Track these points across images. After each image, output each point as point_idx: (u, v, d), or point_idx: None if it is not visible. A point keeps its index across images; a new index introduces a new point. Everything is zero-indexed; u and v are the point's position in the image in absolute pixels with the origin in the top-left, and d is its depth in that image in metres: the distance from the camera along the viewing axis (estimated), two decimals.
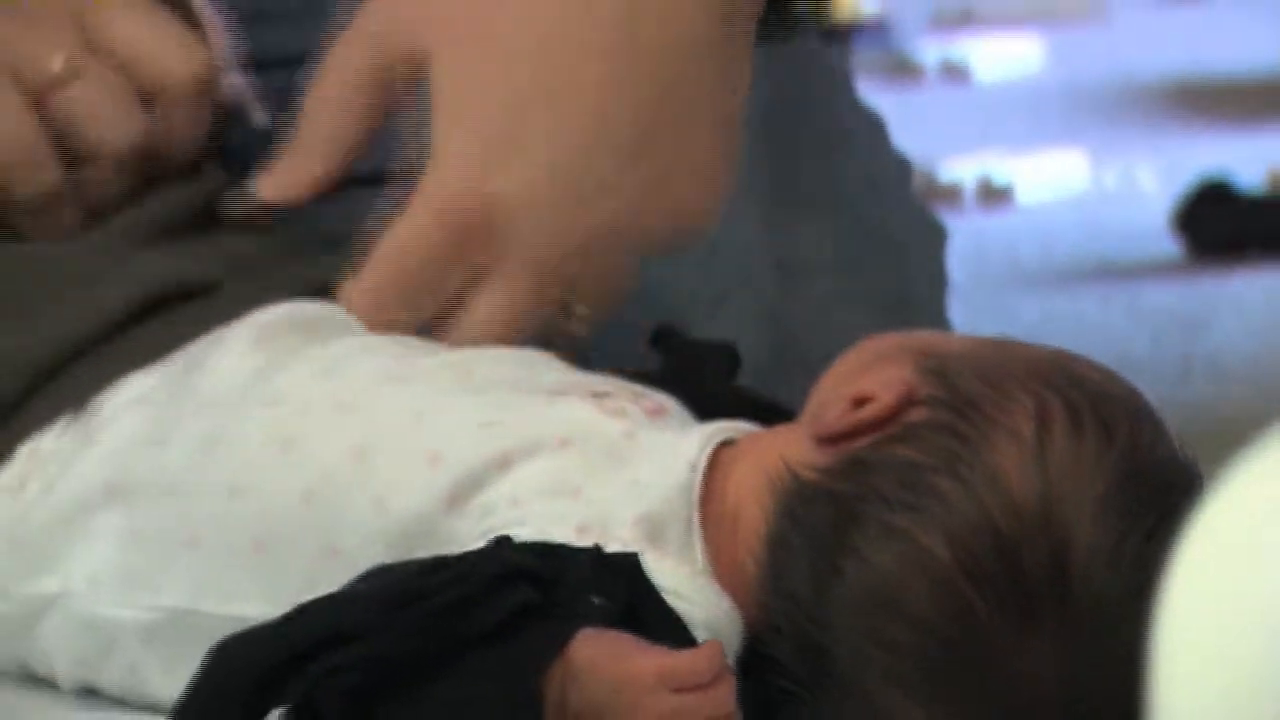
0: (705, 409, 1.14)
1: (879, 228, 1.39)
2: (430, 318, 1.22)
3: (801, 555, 1.05)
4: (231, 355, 1.21)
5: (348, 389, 1.17)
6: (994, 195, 2.09)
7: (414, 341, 1.20)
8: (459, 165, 1.20)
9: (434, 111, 1.20)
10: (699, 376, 1.17)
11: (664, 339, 1.19)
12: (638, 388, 1.13)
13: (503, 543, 1.05)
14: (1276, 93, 2.39)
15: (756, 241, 1.39)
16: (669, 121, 1.20)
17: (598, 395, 1.12)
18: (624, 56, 1.22)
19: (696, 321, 1.29)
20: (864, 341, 1.11)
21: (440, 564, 1.06)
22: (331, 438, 1.14)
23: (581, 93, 1.20)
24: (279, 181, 1.23)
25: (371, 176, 1.27)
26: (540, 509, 1.08)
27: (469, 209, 1.19)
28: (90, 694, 1.21)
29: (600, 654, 1.01)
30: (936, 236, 1.42)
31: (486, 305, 1.19)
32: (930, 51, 2.56)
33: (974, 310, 1.43)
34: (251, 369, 1.18)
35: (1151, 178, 2.12)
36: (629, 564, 1.04)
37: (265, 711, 1.02)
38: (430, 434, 1.12)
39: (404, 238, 1.21)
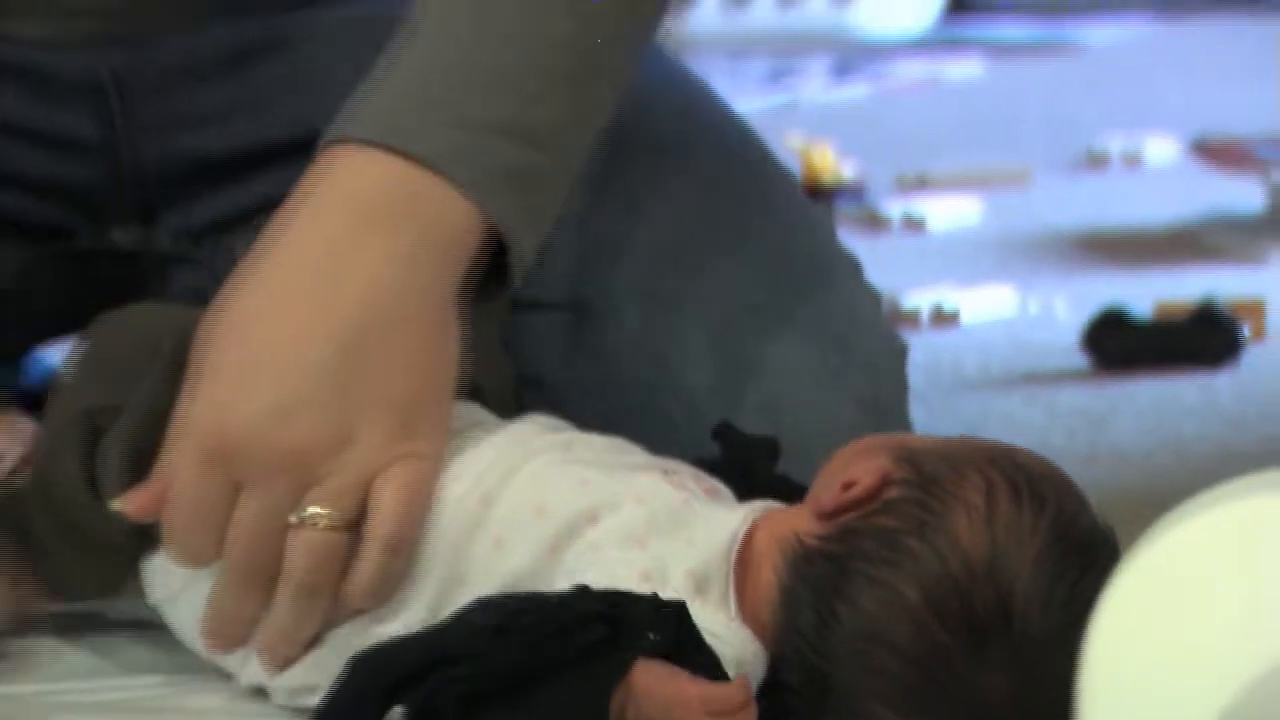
0: (750, 488, 1.18)
1: (856, 345, 1.38)
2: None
3: (807, 603, 1.10)
4: None
5: None
6: (943, 319, 2.10)
7: (531, 430, 1.23)
8: (201, 405, 1.15)
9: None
10: (748, 463, 1.20)
11: (724, 434, 1.21)
12: (699, 471, 1.18)
13: (583, 590, 1.11)
14: (1161, 244, 2.39)
15: (757, 353, 1.36)
16: (365, 357, 1.16)
17: (668, 472, 1.17)
18: (329, 311, 1.17)
19: (715, 412, 1.28)
20: (853, 442, 1.16)
21: (536, 602, 1.10)
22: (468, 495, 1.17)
23: (294, 343, 1.15)
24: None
25: None
26: (614, 555, 1.12)
27: (210, 437, 1.14)
28: None
29: (654, 681, 1.06)
30: (900, 352, 1.41)
31: (243, 512, 1.13)
32: (895, 208, 2.52)
33: (929, 409, 1.46)
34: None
35: (1065, 307, 2.13)
36: (678, 610, 1.09)
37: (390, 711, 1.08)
38: (539, 490, 1.16)
39: (171, 481, 1.15)
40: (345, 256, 1.17)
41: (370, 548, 1.13)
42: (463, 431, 1.21)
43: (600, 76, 1.26)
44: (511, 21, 1.24)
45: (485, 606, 1.11)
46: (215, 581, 1.16)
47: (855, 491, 1.11)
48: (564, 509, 1.15)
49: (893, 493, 1.11)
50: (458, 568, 1.16)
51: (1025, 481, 1.11)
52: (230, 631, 1.17)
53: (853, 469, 1.12)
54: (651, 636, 1.08)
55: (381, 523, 1.13)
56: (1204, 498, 0.87)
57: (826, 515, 1.12)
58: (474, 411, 1.25)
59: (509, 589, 1.14)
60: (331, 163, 1.21)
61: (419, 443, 1.16)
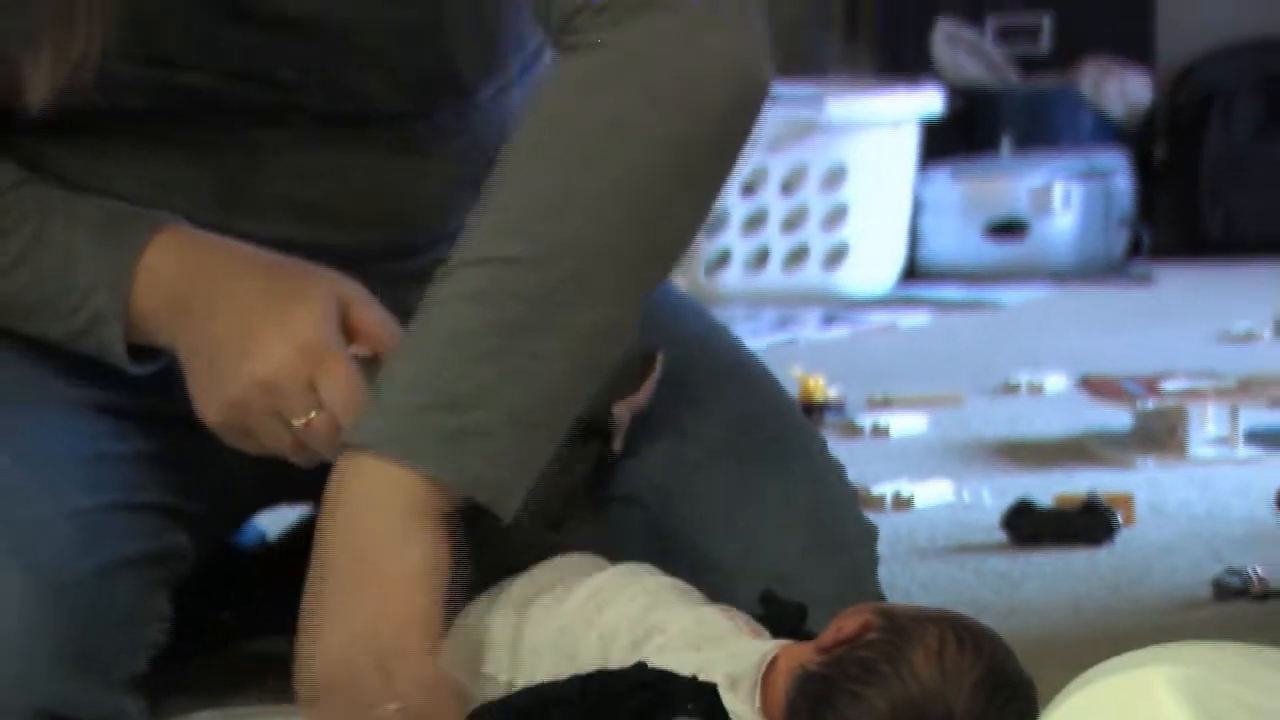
0: (782, 633, 1.20)
1: (840, 531, 1.38)
2: None
3: (804, 709, 1.12)
4: None
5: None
6: (901, 504, 2.10)
7: (636, 569, 1.25)
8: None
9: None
10: (784, 616, 1.21)
11: (767, 597, 1.22)
12: (749, 617, 1.19)
13: (640, 665, 1.12)
14: (1057, 452, 2.40)
15: (769, 538, 1.34)
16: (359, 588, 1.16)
17: (724, 610, 1.16)
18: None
19: (740, 579, 1.29)
20: (851, 606, 1.17)
21: (609, 673, 1.13)
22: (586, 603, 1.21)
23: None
24: None
25: None
26: (674, 654, 1.15)
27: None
28: None
29: None
30: (871, 535, 1.40)
31: None
32: (866, 420, 2.53)
33: (890, 571, 1.46)
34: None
35: (990, 497, 2.13)
36: (713, 689, 1.10)
37: None
38: (634, 606, 1.19)
39: None
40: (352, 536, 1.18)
41: None
42: (587, 568, 1.24)
43: (536, 340, 1.19)
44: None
45: (576, 677, 1.13)
46: None
47: (844, 633, 1.14)
48: (649, 620, 1.17)
49: (872, 635, 1.12)
50: (572, 651, 1.19)
51: (969, 634, 1.13)
52: None
53: (846, 620, 1.13)
54: (690, 707, 1.09)
55: None
56: (1100, 668, 0.88)
57: (824, 649, 1.14)
58: (598, 560, 1.27)
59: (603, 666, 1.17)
60: (341, 465, 1.20)
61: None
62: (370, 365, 1.25)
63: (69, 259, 1.28)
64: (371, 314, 1.28)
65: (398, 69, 1.33)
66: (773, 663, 1.15)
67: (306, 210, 1.36)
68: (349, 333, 1.26)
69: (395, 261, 1.39)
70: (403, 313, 1.40)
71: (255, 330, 1.24)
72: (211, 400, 1.25)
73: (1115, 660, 0.90)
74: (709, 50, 1.19)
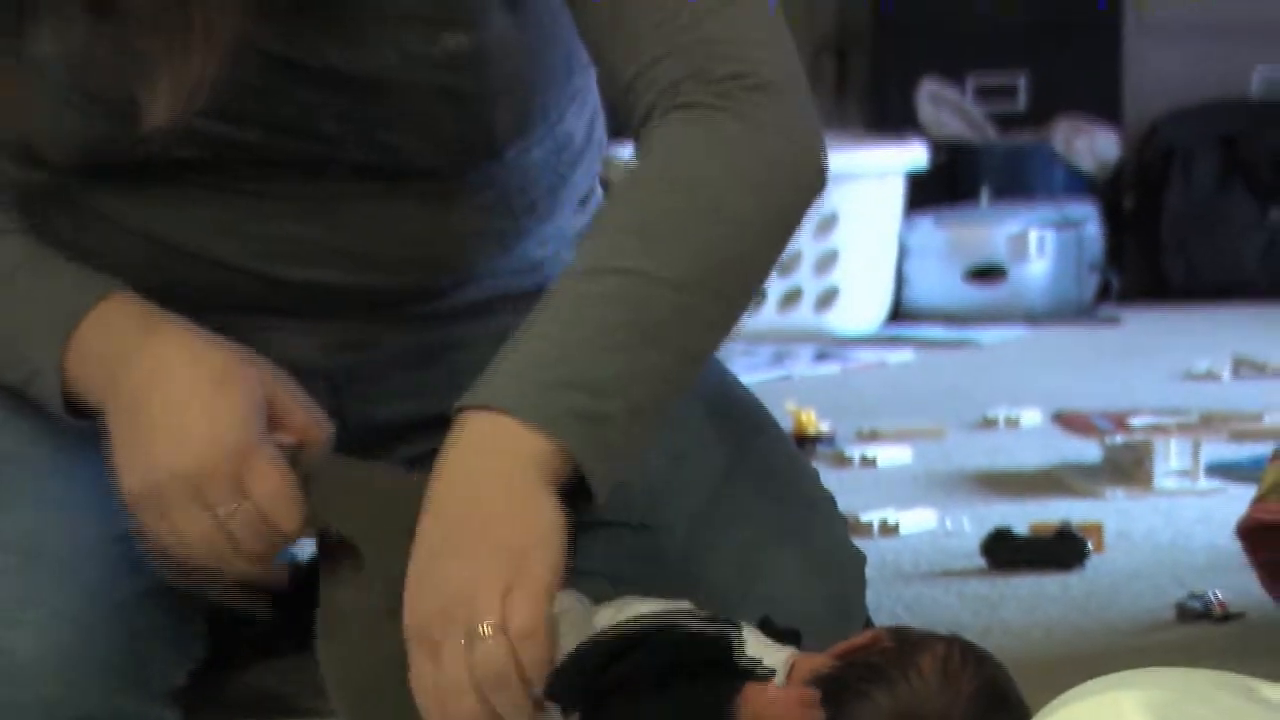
0: None
1: (830, 558, 1.36)
2: None
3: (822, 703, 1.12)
4: None
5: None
6: (887, 530, 2.09)
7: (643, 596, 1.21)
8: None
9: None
10: (780, 640, 1.16)
11: (765, 623, 1.18)
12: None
13: (732, 624, 1.14)
14: (1032, 483, 2.39)
15: (762, 563, 1.32)
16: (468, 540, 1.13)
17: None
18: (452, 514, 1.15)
19: (732, 604, 1.25)
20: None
21: (677, 616, 1.15)
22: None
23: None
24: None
25: None
26: None
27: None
28: None
29: (759, 692, 1.10)
30: (860, 561, 1.37)
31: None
32: (855, 452, 2.51)
33: (877, 594, 1.44)
34: None
35: (969, 524, 2.12)
36: (770, 672, 1.12)
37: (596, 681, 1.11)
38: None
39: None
40: (475, 485, 1.15)
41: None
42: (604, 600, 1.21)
43: (658, 351, 1.19)
44: (586, 325, 1.20)
45: (646, 624, 1.15)
46: None
47: (858, 641, 1.13)
48: None
49: (883, 645, 1.12)
50: None
51: (971, 652, 1.12)
52: None
53: (858, 636, 1.14)
54: (759, 670, 1.12)
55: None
56: (1074, 691, 0.88)
57: (838, 655, 1.13)
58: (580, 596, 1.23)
59: None
60: (462, 423, 1.18)
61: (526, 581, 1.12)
62: (294, 454, 1.22)
63: (21, 312, 1.25)
64: (296, 404, 1.25)
65: (436, 129, 1.32)
66: (794, 665, 1.14)
67: (342, 256, 1.35)
68: (274, 422, 1.23)
69: (422, 303, 1.39)
70: (425, 350, 1.41)
71: (184, 421, 1.19)
72: (133, 477, 1.20)
73: (1089, 684, 0.89)
74: (803, 133, 1.25)
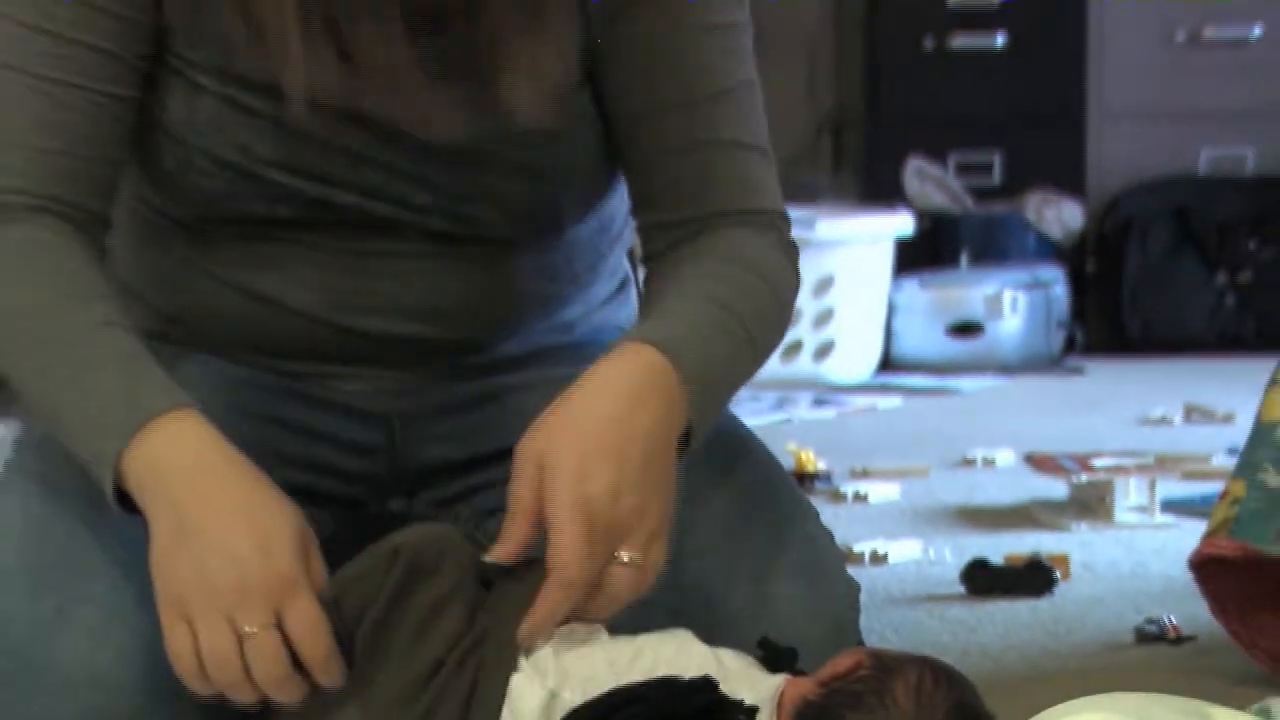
0: (777, 672, 1.15)
1: (829, 587, 1.34)
2: None
3: None
4: None
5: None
6: (878, 559, 2.08)
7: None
8: (569, 482, 1.11)
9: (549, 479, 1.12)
10: (779, 659, 1.15)
11: (764, 643, 1.17)
12: (751, 658, 1.17)
13: (706, 678, 1.09)
14: (1007, 517, 2.37)
15: (769, 594, 1.31)
16: (646, 472, 1.14)
17: (735, 652, 1.16)
18: (632, 439, 1.14)
19: (744, 628, 1.23)
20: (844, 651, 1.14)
21: (674, 679, 1.10)
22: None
23: (616, 456, 1.13)
24: (502, 553, 1.13)
25: None
26: None
27: (586, 510, 1.11)
28: None
29: None
30: (855, 590, 1.35)
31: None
32: (849, 489, 2.50)
33: (868, 618, 1.41)
34: None
35: (950, 554, 2.11)
36: (753, 708, 1.09)
37: None
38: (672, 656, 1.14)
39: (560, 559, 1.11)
40: (632, 409, 1.15)
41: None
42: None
43: (741, 358, 1.26)
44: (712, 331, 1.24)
45: (646, 681, 1.11)
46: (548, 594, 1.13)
47: (839, 669, 1.11)
48: (679, 661, 1.14)
49: (862, 672, 1.10)
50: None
51: (943, 673, 1.10)
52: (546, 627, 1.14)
53: (841, 660, 1.12)
54: (741, 715, 1.08)
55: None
56: (1044, 714, 0.87)
57: (822, 682, 1.11)
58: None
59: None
60: (622, 350, 1.19)
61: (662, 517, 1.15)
62: (328, 602, 1.14)
63: (101, 402, 1.16)
64: (319, 560, 1.15)
65: (514, 203, 1.32)
66: (782, 693, 1.13)
67: (408, 310, 1.35)
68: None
69: (470, 355, 1.39)
70: (468, 398, 1.40)
71: (234, 540, 1.11)
72: (174, 582, 1.11)
73: (1055, 709, 0.88)
74: (794, 253, 1.34)
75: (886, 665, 1.11)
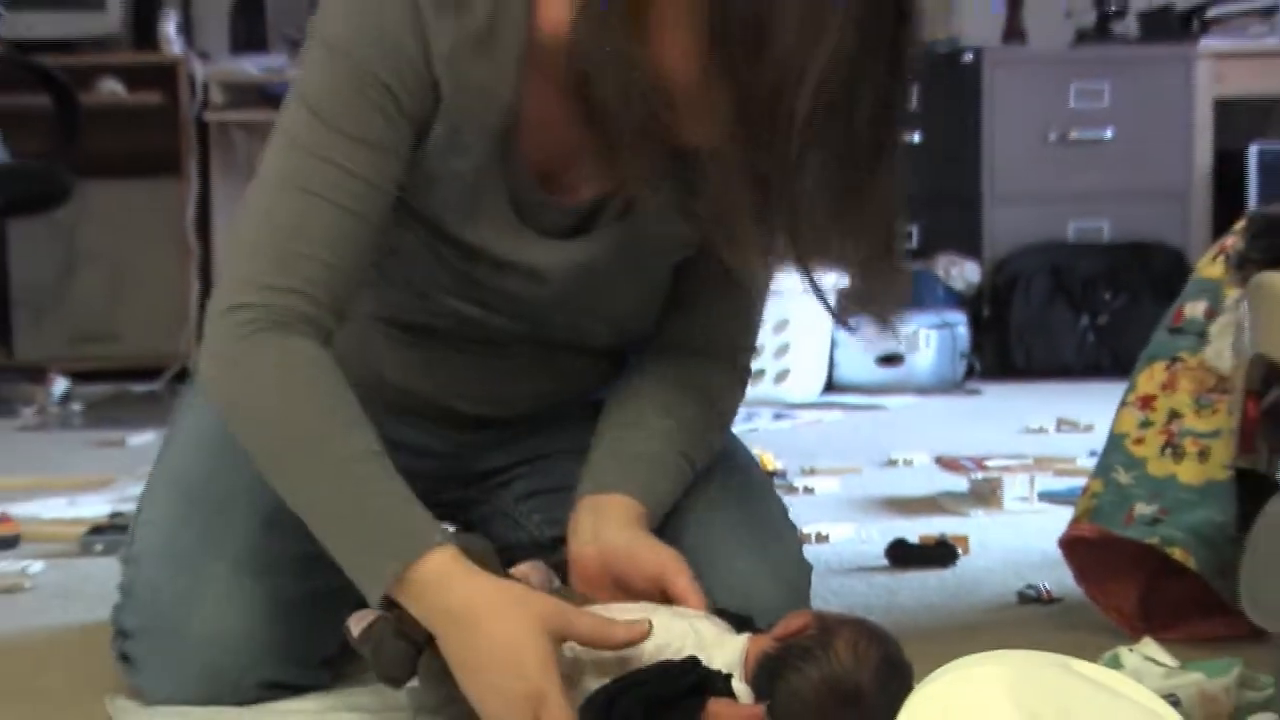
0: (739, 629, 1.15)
1: (789, 561, 1.34)
2: None
3: (765, 680, 1.09)
4: None
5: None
6: (821, 539, 2.07)
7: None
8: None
9: None
10: (743, 623, 1.16)
11: (719, 610, 1.16)
12: (716, 618, 1.15)
13: (693, 659, 1.08)
14: (921, 505, 2.34)
15: (739, 568, 1.29)
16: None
17: (708, 618, 1.14)
18: None
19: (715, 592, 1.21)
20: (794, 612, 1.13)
21: (668, 664, 1.09)
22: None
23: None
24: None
25: None
26: (689, 651, 1.10)
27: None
28: None
29: (724, 706, 1.06)
30: (809, 568, 1.36)
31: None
32: (800, 483, 2.48)
33: (814, 584, 1.39)
34: None
35: (878, 535, 2.08)
36: (728, 678, 1.08)
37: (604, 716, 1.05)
38: (666, 628, 1.11)
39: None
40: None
41: None
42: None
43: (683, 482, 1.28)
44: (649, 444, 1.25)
45: (644, 667, 1.09)
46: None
47: (791, 627, 1.10)
48: (672, 635, 1.12)
49: (809, 632, 1.09)
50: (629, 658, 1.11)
51: (875, 633, 1.10)
52: None
53: (793, 620, 1.11)
54: (720, 686, 1.07)
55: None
56: (939, 670, 0.86)
57: (777, 638, 1.10)
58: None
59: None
60: (628, 503, 1.20)
61: None
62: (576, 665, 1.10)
63: (372, 532, 1.08)
64: (581, 622, 1.08)
65: (627, 318, 1.29)
66: (745, 652, 1.12)
67: (491, 396, 1.33)
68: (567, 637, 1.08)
69: (517, 423, 1.38)
70: (518, 429, 1.39)
71: (498, 679, 1.03)
72: (470, 682, 1.06)
73: (959, 660, 0.87)
74: (745, 385, 1.37)
75: (829, 625, 1.10)
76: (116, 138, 4.32)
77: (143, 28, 4.55)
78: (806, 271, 1.04)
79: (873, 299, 1.08)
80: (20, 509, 2.21)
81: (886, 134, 0.99)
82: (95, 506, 2.28)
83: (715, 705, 1.06)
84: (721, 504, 1.33)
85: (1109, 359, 4.30)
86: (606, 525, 1.18)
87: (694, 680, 1.07)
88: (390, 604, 1.08)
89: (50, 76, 3.91)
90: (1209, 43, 4.40)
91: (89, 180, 4.18)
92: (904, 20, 0.96)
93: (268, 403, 1.08)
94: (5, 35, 4.20)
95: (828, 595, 1.70)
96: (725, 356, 1.31)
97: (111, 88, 4.35)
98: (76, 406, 3.79)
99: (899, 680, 1.08)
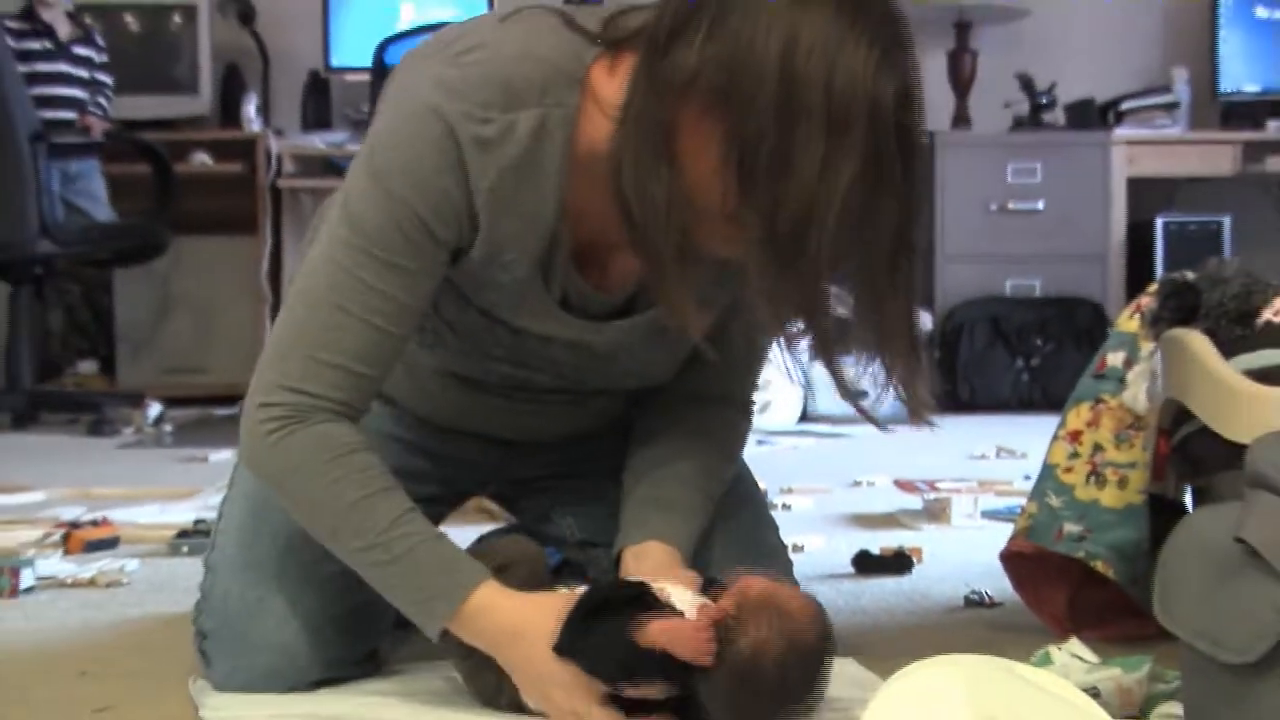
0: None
1: (775, 563, 1.31)
2: None
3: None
4: None
5: None
6: (797, 549, 2.03)
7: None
8: None
9: None
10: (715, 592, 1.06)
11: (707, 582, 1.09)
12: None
13: (642, 582, 1.03)
14: (882, 521, 2.31)
15: (733, 559, 1.22)
16: None
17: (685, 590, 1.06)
18: None
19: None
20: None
21: (614, 583, 1.06)
22: None
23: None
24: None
25: None
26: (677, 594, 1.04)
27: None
28: None
29: (663, 622, 0.99)
30: (789, 565, 1.35)
31: None
32: (779, 500, 2.45)
33: None
34: None
35: (845, 546, 2.06)
36: (647, 589, 1.04)
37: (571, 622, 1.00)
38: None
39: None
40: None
41: None
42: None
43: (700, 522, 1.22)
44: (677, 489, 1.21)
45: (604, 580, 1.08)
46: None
47: (734, 593, 1.05)
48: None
49: (751, 594, 1.05)
50: None
51: (784, 622, 1.03)
52: None
53: (720, 604, 1.05)
54: (669, 607, 1.02)
55: None
56: (899, 673, 0.84)
57: (729, 598, 1.05)
58: None
59: None
60: (627, 554, 1.16)
61: None
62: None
63: (424, 580, 1.07)
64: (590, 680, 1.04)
65: (652, 375, 1.25)
66: (699, 609, 1.04)
67: (529, 429, 1.30)
68: None
69: (537, 454, 1.35)
70: (547, 460, 1.36)
71: (543, 684, 1.04)
72: (528, 687, 1.07)
73: (913, 665, 0.86)
74: (750, 422, 1.33)
75: (743, 616, 1.02)
76: (204, 201, 4.39)
77: (228, 109, 4.64)
78: (832, 370, 1.04)
79: (901, 392, 1.09)
80: (119, 514, 2.23)
81: (903, 254, 0.98)
82: (182, 514, 2.27)
83: (657, 619, 0.99)
84: (720, 515, 1.30)
85: (1040, 395, 4.30)
86: (650, 568, 1.15)
87: (636, 594, 1.03)
88: (446, 634, 1.08)
89: (151, 150, 3.96)
90: (1122, 131, 4.48)
91: (181, 236, 4.25)
92: (912, 152, 0.94)
93: (306, 487, 1.06)
94: (115, 115, 4.27)
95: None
96: (739, 401, 1.27)
97: (201, 159, 4.46)
98: (168, 428, 3.74)
99: (803, 666, 1.01)
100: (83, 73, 4.13)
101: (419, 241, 1.03)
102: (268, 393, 1.06)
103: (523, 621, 1.04)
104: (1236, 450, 1.20)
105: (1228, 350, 1.29)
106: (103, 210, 4.02)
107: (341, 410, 1.06)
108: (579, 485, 1.34)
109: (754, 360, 1.27)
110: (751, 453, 1.27)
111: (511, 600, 1.05)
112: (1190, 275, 1.41)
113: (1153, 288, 1.47)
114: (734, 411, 1.27)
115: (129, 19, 4.56)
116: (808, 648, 1.01)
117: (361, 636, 1.21)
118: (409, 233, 1.02)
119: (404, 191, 1.01)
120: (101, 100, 4.16)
